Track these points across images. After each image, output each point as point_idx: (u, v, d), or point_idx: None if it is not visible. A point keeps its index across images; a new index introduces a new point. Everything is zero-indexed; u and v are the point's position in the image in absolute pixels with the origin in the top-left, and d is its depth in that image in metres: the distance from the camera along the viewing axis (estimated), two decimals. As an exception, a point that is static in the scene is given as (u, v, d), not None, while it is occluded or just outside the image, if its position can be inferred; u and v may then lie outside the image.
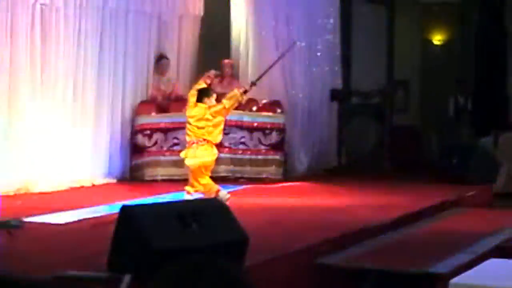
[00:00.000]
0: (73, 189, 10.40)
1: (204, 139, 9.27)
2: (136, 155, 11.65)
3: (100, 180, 11.02)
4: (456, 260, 6.93)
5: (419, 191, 11.01)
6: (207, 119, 9.27)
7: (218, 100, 9.58)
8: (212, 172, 11.60)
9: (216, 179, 11.43)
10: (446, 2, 17.16)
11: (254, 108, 12.00)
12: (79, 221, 7.92)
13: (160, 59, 12.20)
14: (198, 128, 9.26)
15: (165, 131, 11.67)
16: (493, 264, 5.60)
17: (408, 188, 11.33)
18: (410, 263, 6.91)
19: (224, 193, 9.28)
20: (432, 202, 10.10)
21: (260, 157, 11.79)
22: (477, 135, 14.26)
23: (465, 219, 9.64)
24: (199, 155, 9.27)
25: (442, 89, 16.28)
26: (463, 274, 5.22)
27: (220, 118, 9.36)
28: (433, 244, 7.82)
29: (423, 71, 17.41)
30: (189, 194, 9.21)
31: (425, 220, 9.24)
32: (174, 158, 11.53)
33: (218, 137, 9.44)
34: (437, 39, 17.61)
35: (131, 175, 11.63)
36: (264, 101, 12.15)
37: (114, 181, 11.26)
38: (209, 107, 9.30)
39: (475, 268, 5.41)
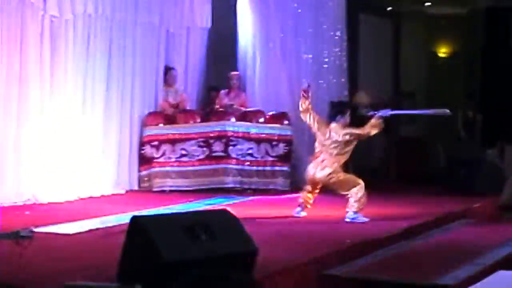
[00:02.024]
0: (82, 199, 10.45)
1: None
2: (145, 165, 11.73)
3: (109, 190, 11.08)
4: (464, 272, 6.94)
5: (426, 203, 11.05)
6: None
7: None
8: (220, 183, 11.70)
9: (223, 190, 11.53)
10: (452, 14, 17.21)
11: (261, 120, 12.06)
12: (89, 231, 7.95)
13: (168, 71, 12.28)
14: None
15: (173, 142, 11.73)
16: (501, 276, 5.62)
17: (415, 200, 11.38)
18: (417, 274, 6.92)
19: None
20: (439, 213, 10.12)
21: (267, 168, 11.84)
22: (485, 147, 14.30)
23: (472, 230, 9.66)
24: None
25: (448, 100, 16.31)
26: (472, 286, 5.24)
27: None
28: (440, 256, 7.84)
29: (429, 83, 17.45)
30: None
31: (432, 232, 9.26)
32: (182, 169, 11.62)
33: None
34: (443, 51, 17.66)
35: (140, 185, 11.71)
36: (271, 113, 12.20)
37: (123, 191, 11.32)
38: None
39: (483, 281, 5.44)
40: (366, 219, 9.15)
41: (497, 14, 17.00)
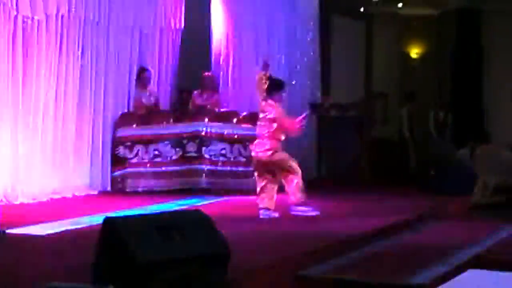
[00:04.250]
0: (54, 200, 10.42)
1: None
2: (118, 166, 11.70)
3: (82, 191, 11.05)
4: (435, 271, 7.01)
5: (397, 203, 11.12)
6: None
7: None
8: (193, 184, 11.69)
9: (197, 190, 11.53)
10: (424, 15, 17.33)
11: (234, 120, 12.08)
12: (62, 232, 7.93)
13: (142, 72, 12.27)
14: None
15: (146, 142, 11.73)
16: (472, 275, 5.68)
17: (386, 200, 11.44)
18: (390, 274, 6.98)
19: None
20: (410, 213, 10.19)
21: (240, 169, 11.85)
22: (457, 147, 14.41)
23: (443, 230, 9.74)
24: None
25: (420, 101, 16.43)
26: (442, 285, 5.30)
27: None
28: (412, 255, 7.89)
29: (401, 84, 17.56)
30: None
31: (403, 232, 9.32)
32: (155, 169, 11.62)
33: None
34: (415, 52, 17.77)
35: (113, 186, 11.68)
36: (244, 113, 12.22)
37: (96, 192, 11.30)
38: None
39: (454, 279, 5.49)
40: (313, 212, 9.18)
41: (468, 15, 17.14)
